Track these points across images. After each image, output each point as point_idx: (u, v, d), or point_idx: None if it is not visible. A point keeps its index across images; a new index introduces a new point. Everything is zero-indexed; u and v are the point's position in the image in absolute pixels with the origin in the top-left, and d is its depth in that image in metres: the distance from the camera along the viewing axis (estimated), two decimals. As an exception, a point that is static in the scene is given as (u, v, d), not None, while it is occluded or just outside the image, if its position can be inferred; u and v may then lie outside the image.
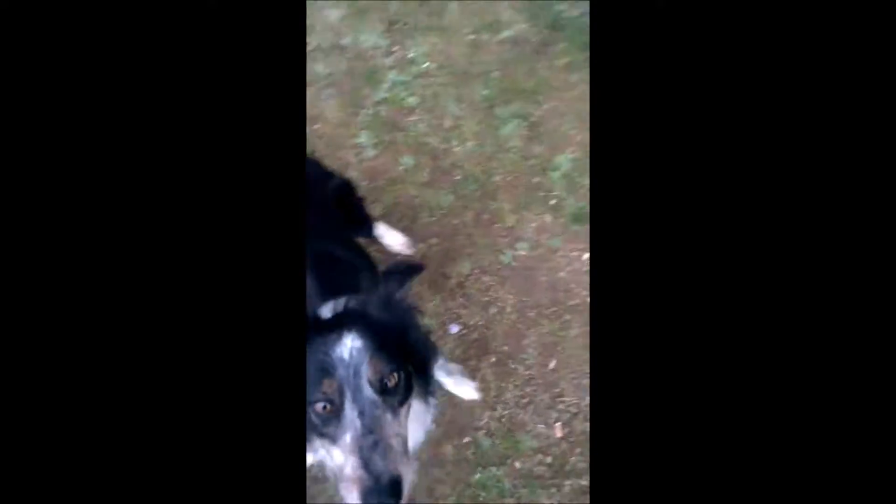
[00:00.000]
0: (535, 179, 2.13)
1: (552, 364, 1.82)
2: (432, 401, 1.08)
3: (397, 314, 0.97)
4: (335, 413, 0.85)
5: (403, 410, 0.91)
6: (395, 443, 0.84)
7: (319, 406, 0.86)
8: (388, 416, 0.86)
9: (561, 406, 1.76)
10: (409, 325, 0.99)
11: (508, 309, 1.92)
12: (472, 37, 2.45)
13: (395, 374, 0.89)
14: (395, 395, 0.89)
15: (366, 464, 0.80)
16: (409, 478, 0.83)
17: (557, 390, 1.78)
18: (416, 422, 1.02)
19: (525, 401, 1.78)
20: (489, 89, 2.34)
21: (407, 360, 0.94)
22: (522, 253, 2.01)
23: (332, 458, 0.86)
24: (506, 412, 1.76)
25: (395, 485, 0.79)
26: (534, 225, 2.05)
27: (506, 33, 2.47)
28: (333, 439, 0.85)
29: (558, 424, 1.73)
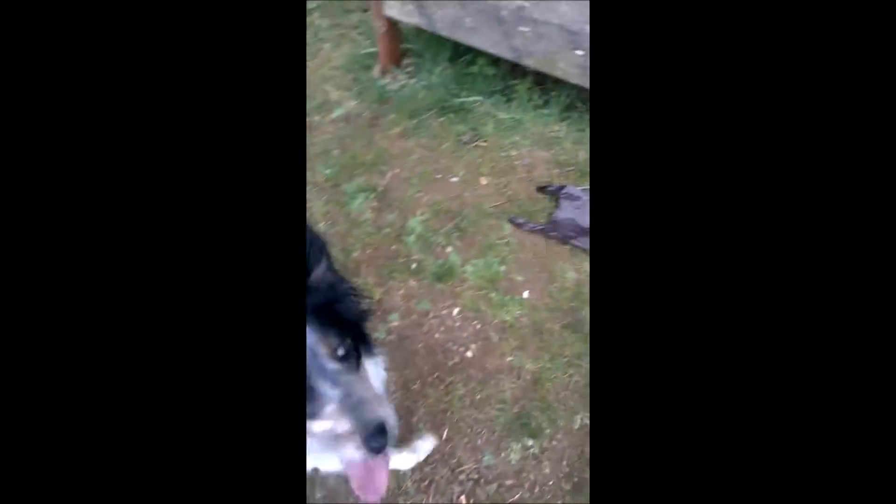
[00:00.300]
0: (393, 247, 2.12)
1: (444, 433, 1.75)
2: (379, 356, 1.20)
3: (325, 293, 1.07)
4: (309, 396, 0.95)
5: (362, 370, 1.04)
6: (369, 395, 0.96)
7: None
8: (354, 378, 0.98)
9: (462, 476, 1.67)
10: (338, 299, 1.09)
11: (393, 387, 1.83)
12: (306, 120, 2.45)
13: (344, 344, 0.99)
14: (350, 360, 1.00)
15: (356, 419, 0.91)
16: (392, 419, 0.95)
17: (454, 461, 1.70)
18: (373, 377, 1.15)
19: (425, 483, 1.67)
20: (332, 168, 2.33)
21: (347, 330, 1.04)
22: (395, 323, 1.96)
23: (314, 429, 0.93)
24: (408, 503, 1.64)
25: (384, 426, 0.92)
26: (401, 292, 2.02)
27: (337, 112, 2.50)
28: (312, 416, 0.93)
29: (462, 498, 1.64)
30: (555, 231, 2.09)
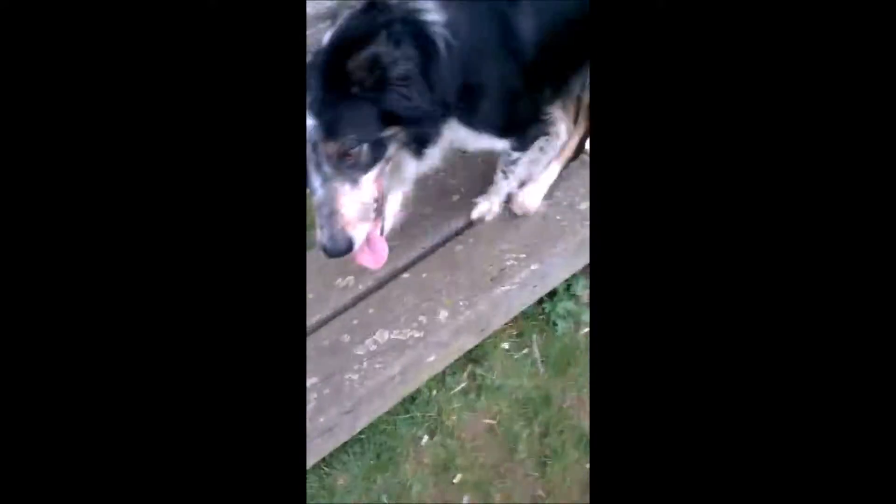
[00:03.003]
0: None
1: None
2: (429, 153, 1.14)
3: (372, 79, 0.95)
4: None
5: (367, 177, 1.02)
6: (348, 210, 0.99)
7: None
8: (347, 187, 0.99)
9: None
10: (385, 89, 0.96)
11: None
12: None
13: (354, 151, 0.97)
14: (355, 167, 0.99)
15: (322, 226, 0.99)
16: (361, 235, 1.02)
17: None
18: (401, 174, 1.19)
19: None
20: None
21: (389, 123, 0.99)
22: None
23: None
24: None
25: (346, 243, 1.00)
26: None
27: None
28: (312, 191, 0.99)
29: (466, 498, 1.63)
30: None
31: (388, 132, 1.01)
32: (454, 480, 1.55)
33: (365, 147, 0.98)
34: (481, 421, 1.63)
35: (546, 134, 1.34)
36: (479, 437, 1.60)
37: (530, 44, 1.12)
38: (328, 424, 1.27)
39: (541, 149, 1.38)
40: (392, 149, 1.05)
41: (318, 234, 1.00)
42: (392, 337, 1.34)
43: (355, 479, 1.52)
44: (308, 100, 0.93)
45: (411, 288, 1.42)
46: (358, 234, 1.01)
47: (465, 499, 1.62)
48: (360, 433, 1.48)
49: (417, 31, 0.99)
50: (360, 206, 1.02)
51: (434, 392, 1.64)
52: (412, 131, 1.05)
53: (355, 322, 1.37)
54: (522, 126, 1.27)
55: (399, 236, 1.47)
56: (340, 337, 1.35)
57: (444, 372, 1.63)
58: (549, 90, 1.28)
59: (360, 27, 0.97)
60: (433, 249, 1.50)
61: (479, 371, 1.68)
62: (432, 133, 1.09)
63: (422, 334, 1.35)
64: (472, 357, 1.67)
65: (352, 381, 1.28)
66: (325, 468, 1.52)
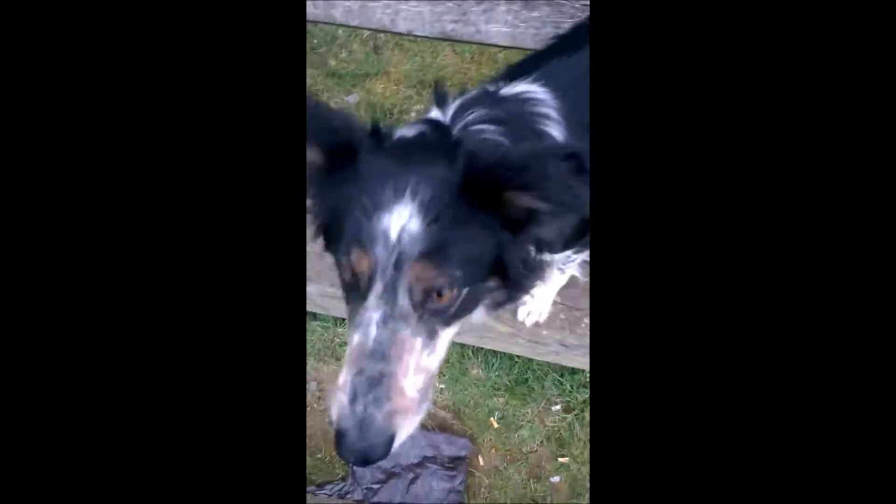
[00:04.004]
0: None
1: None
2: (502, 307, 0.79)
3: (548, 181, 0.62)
4: (359, 292, 0.65)
5: (446, 335, 0.69)
6: (407, 382, 0.63)
7: (348, 274, 0.67)
8: (417, 342, 0.65)
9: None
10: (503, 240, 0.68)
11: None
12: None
13: (451, 292, 0.65)
14: (440, 316, 0.66)
15: (354, 398, 0.61)
16: (403, 433, 0.64)
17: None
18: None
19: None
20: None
21: (493, 272, 0.68)
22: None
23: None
24: None
25: (384, 445, 0.61)
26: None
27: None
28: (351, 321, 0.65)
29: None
30: (354, 486, 1.71)
31: (491, 283, 0.72)
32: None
33: (464, 293, 0.67)
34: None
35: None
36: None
37: None
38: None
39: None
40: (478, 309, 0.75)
41: (337, 413, 0.63)
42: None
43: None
44: (409, 185, 0.65)
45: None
46: (403, 430, 0.64)
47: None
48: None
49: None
50: (425, 378, 0.67)
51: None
52: (512, 283, 0.74)
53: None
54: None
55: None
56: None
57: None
58: None
59: (523, 156, 0.67)
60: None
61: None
62: (528, 287, 0.78)
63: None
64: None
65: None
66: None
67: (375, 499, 1.68)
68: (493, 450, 1.73)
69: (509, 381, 1.76)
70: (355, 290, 0.68)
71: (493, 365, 1.76)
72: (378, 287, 0.64)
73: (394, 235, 0.63)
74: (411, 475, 1.69)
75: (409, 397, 0.64)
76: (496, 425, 1.74)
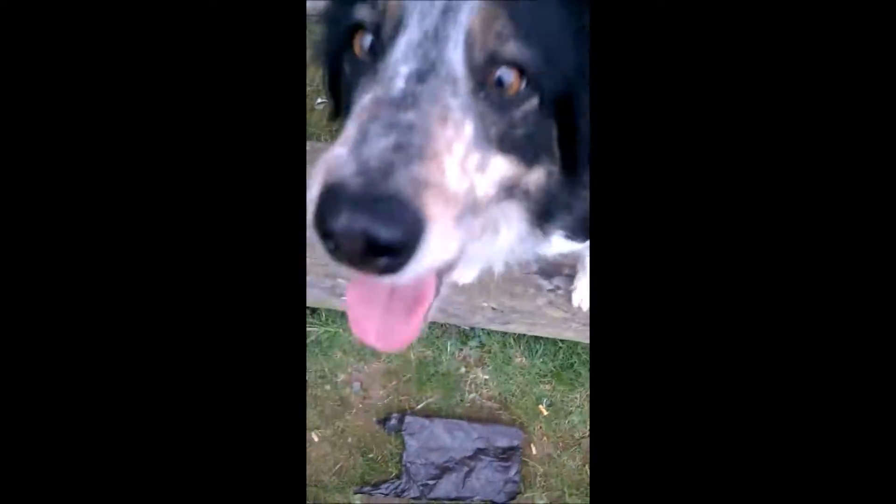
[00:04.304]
0: None
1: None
2: (547, 235, 0.63)
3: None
4: (371, 52, 0.45)
5: (496, 163, 0.48)
6: (448, 167, 0.42)
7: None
8: (467, 127, 0.45)
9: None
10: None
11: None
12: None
13: (518, 81, 0.46)
14: (497, 114, 0.48)
15: (363, 140, 0.40)
16: (437, 233, 0.41)
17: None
18: (490, 243, 0.58)
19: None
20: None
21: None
22: None
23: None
24: None
25: (397, 214, 0.38)
26: None
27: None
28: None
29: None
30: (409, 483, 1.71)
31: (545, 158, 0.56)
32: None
33: (534, 104, 0.49)
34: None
35: None
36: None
37: None
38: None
39: None
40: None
41: (327, 165, 0.44)
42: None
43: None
44: None
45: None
46: (438, 226, 0.42)
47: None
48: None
49: None
50: (461, 178, 0.45)
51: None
52: (567, 158, 0.58)
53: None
54: None
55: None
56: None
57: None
58: None
59: None
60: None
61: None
62: (570, 198, 0.61)
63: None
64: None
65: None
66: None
67: (432, 494, 1.71)
68: (545, 438, 1.73)
69: (555, 367, 1.75)
70: (368, 57, 0.46)
71: (536, 352, 1.75)
72: (413, 32, 0.43)
73: None
74: (466, 469, 1.72)
75: (449, 182, 0.42)
76: (545, 413, 1.74)
